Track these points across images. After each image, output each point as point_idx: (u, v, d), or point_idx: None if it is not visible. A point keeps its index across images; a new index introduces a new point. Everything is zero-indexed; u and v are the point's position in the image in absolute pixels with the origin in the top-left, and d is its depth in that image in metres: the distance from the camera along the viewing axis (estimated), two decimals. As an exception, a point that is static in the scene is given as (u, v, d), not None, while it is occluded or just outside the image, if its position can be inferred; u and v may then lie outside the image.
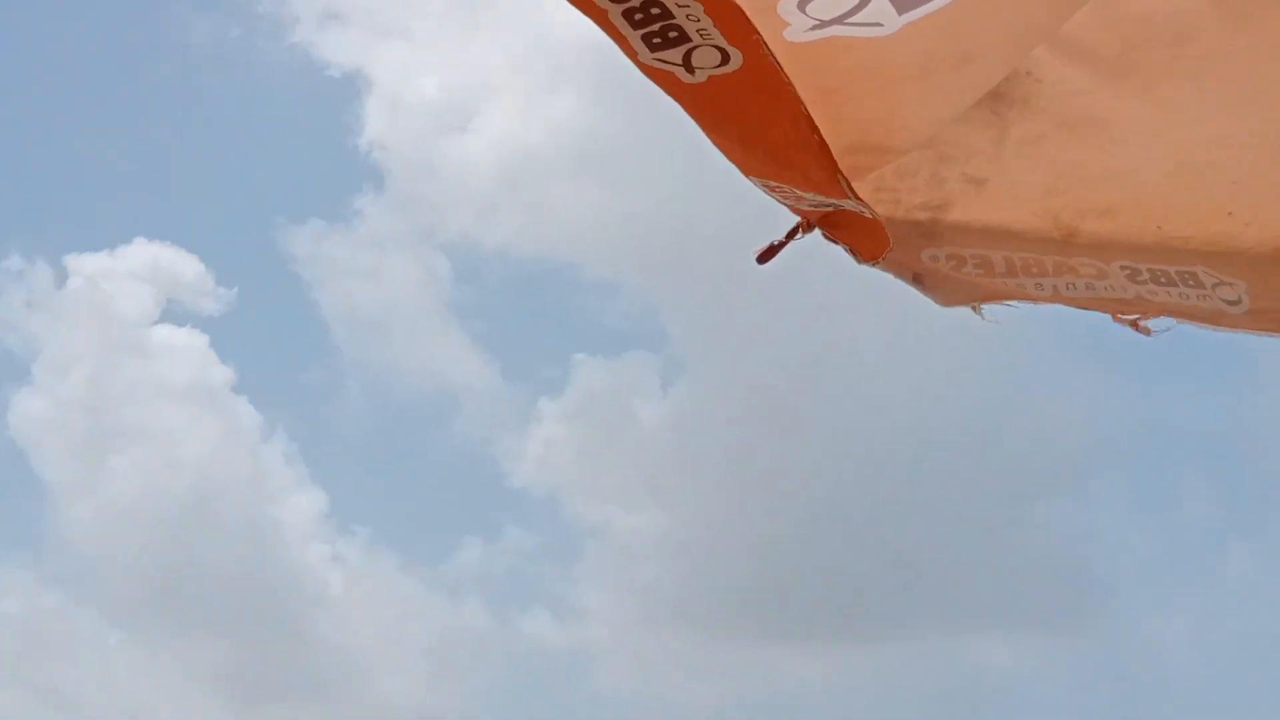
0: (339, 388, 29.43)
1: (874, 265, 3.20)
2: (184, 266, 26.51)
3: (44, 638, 25.80)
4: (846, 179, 2.87)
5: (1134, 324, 3.39)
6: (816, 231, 3.15)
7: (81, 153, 30.98)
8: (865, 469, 27.06)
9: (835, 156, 2.86)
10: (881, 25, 2.74)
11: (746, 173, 2.87)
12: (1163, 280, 3.22)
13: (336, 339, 29.56)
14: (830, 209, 3.01)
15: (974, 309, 3.44)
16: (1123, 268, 3.22)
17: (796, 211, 3.07)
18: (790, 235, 3.12)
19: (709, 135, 2.83)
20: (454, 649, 27.31)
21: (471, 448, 29.17)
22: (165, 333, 26.59)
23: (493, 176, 28.75)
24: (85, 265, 27.01)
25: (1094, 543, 29.19)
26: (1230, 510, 28.98)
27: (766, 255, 3.16)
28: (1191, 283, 3.20)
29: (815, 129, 2.75)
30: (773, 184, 2.88)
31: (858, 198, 2.91)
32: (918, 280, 3.42)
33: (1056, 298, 3.35)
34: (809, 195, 2.89)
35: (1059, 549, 27.49)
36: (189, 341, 26.34)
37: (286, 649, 25.86)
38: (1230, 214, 3.12)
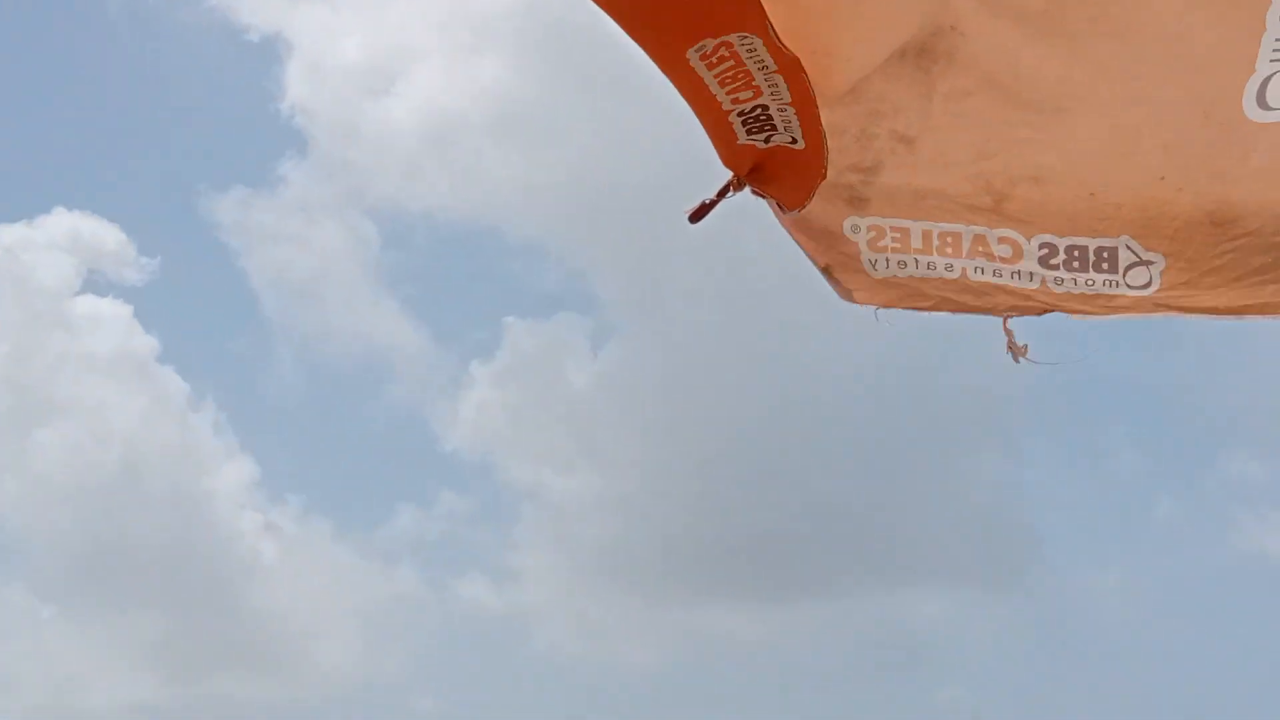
0: (268, 355, 29.25)
1: (796, 215, 3.16)
2: (105, 236, 26.26)
3: (-28, 613, 25.54)
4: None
5: (1010, 342, 3.53)
6: (746, 190, 3.13)
7: (-3, 123, 30.50)
8: (796, 426, 27.24)
9: None
10: None
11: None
12: (1075, 264, 3.21)
13: (265, 306, 29.36)
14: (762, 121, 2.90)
15: (874, 310, 3.51)
16: (1041, 245, 3.22)
17: (727, 157, 3.01)
18: (721, 193, 3.10)
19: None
20: (390, 616, 27.30)
21: (403, 413, 29.10)
22: (88, 304, 26.32)
23: (417, 140, 28.60)
24: (4, 236, 26.66)
25: (1024, 496, 29.59)
26: (1157, 461, 29.43)
27: (698, 214, 3.14)
28: (1105, 266, 3.20)
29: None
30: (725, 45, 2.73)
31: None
32: (827, 271, 3.45)
33: (948, 304, 3.44)
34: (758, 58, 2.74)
35: (990, 503, 27.83)
36: (112, 312, 26.09)
37: (221, 619, 25.74)
38: (1162, 178, 3.09)
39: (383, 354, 30.14)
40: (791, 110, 2.84)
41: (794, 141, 2.91)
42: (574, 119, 27.68)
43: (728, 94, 2.81)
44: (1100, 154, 3.10)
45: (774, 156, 2.98)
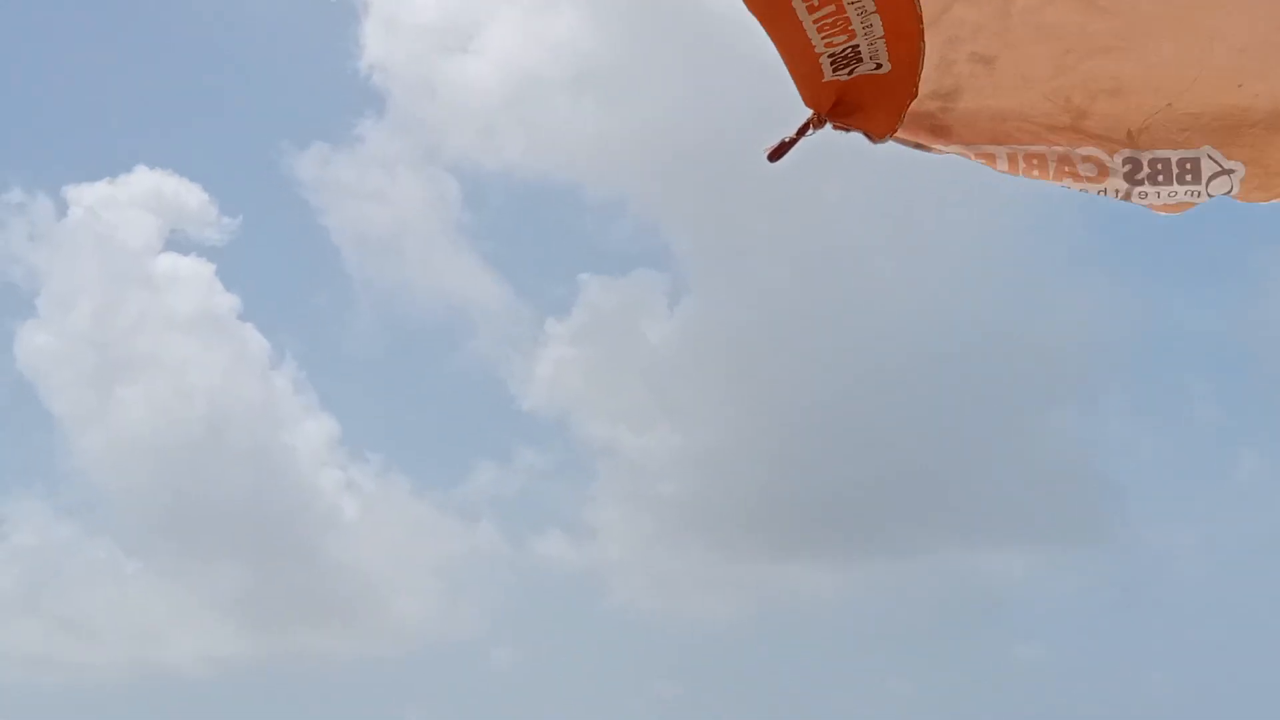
0: (349, 312, 29.42)
1: (889, 139, 3.11)
2: (187, 195, 26.44)
3: (60, 568, 26.02)
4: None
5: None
6: (827, 127, 3.09)
7: (78, 82, 30.83)
8: (876, 381, 27.09)
9: None
10: None
11: None
12: (1160, 177, 3.21)
13: (346, 263, 29.48)
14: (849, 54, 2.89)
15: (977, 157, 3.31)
16: (1125, 160, 3.22)
17: (809, 96, 2.98)
18: (801, 131, 3.06)
19: None
20: (468, 571, 27.50)
21: (482, 370, 29.22)
22: (170, 262, 26.56)
23: (494, 96, 28.57)
24: (86, 196, 26.93)
25: (1103, 452, 29.31)
26: (1237, 415, 29.04)
27: (778, 153, 3.10)
28: (1189, 178, 3.20)
29: None
30: None
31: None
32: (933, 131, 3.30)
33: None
34: None
35: (1068, 459, 27.58)
36: (194, 270, 26.30)
37: (302, 575, 26.04)
38: (1240, 86, 3.11)
39: (462, 310, 30.27)
40: (882, 42, 2.82)
41: (879, 67, 2.89)
42: (650, 75, 27.58)
43: (823, 39, 2.79)
44: (1177, 60, 3.09)
45: (857, 86, 2.95)
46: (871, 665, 26.01)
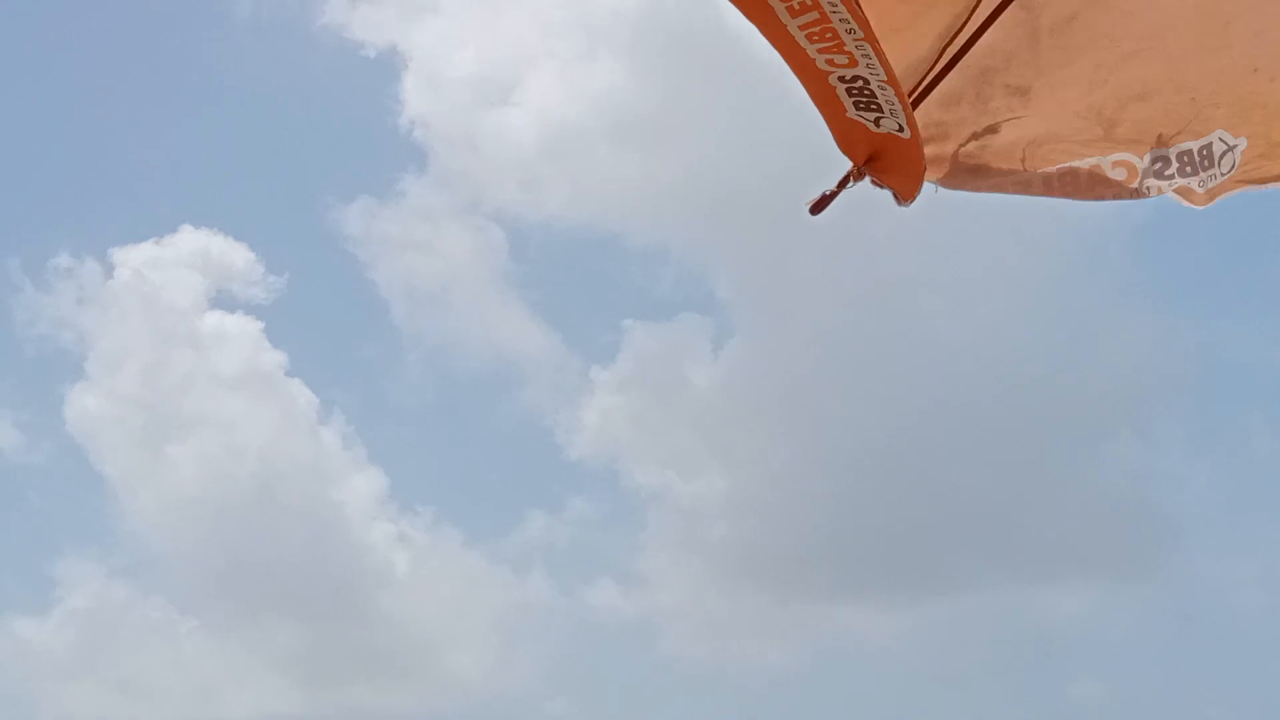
0: (397, 364, 29.50)
1: (913, 202, 3.16)
2: (232, 252, 26.62)
3: (115, 629, 26.10)
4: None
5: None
6: (866, 180, 3.13)
7: (121, 145, 31.13)
8: (925, 419, 26.95)
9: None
10: None
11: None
12: (1188, 169, 3.34)
13: (394, 315, 29.59)
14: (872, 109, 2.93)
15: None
16: (1155, 159, 3.34)
17: (841, 137, 3.01)
18: (842, 184, 3.12)
19: None
20: (521, 623, 27.45)
21: (531, 419, 29.24)
22: (216, 320, 26.74)
23: (535, 147, 28.69)
24: (132, 257, 27.13)
25: (1158, 485, 29.02)
26: (1295, 442, 28.70)
27: (819, 206, 3.16)
28: (1207, 163, 3.34)
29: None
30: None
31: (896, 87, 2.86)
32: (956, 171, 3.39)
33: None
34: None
35: (1123, 493, 27.32)
36: (240, 328, 26.45)
37: (355, 629, 26.04)
38: (1256, 70, 3.24)
39: (509, 360, 30.35)
40: (891, 91, 2.84)
41: (900, 130, 2.93)
42: (691, 122, 27.66)
43: (820, 52, 2.77)
44: (1198, 51, 3.22)
45: (888, 146, 2.99)
46: (928, 706, 25.78)
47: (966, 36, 3.14)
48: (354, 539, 26.63)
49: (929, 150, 3.11)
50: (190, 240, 27.02)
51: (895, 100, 2.86)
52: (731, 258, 28.96)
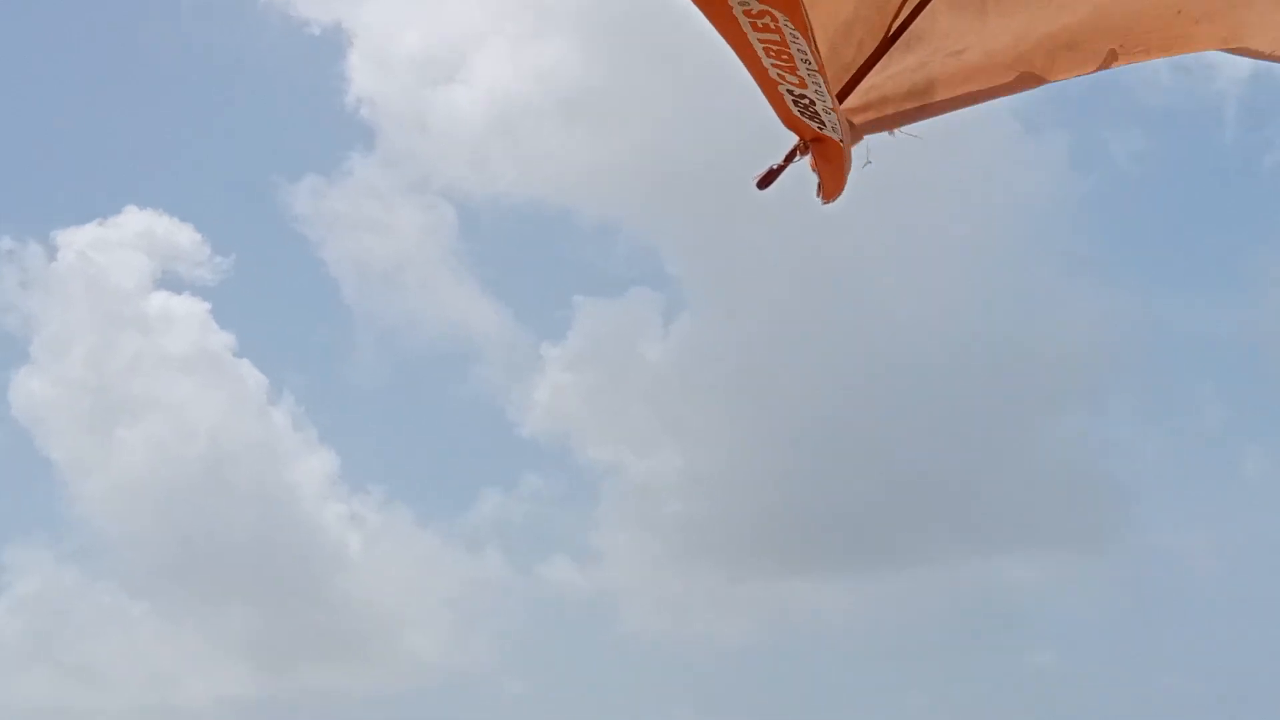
0: (348, 344, 29.32)
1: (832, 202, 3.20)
2: (177, 233, 26.37)
3: (66, 616, 25.89)
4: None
5: None
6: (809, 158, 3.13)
7: (64, 126, 30.79)
8: (878, 393, 27.01)
9: None
10: None
11: None
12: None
13: (345, 295, 29.38)
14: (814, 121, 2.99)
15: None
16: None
17: (786, 119, 3.01)
18: (789, 158, 3.11)
19: None
20: (477, 601, 27.39)
21: (483, 397, 29.12)
22: (162, 301, 26.48)
23: (483, 125, 28.52)
24: (76, 239, 26.83)
25: (1111, 455, 29.22)
26: (1243, 416, 28.98)
27: (766, 180, 3.14)
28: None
29: None
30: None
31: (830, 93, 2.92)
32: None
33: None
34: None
35: (1076, 464, 27.49)
36: (187, 309, 26.22)
37: (310, 611, 25.92)
38: (1180, 12, 3.28)
39: (462, 338, 30.22)
40: (835, 116, 2.91)
41: (841, 141, 3.00)
42: (639, 99, 27.55)
43: (774, 67, 2.81)
44: None
45: (828, 141, 3.04)
46: (885, 679, 25.90)
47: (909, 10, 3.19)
48: (306, 520, 26.50)
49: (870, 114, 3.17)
50: (135, 221, 26.74)
51: (838, 121, 2.92)
52: (681, 233, 28.92)
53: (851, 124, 3.07)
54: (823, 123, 2.95)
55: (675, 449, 28.72)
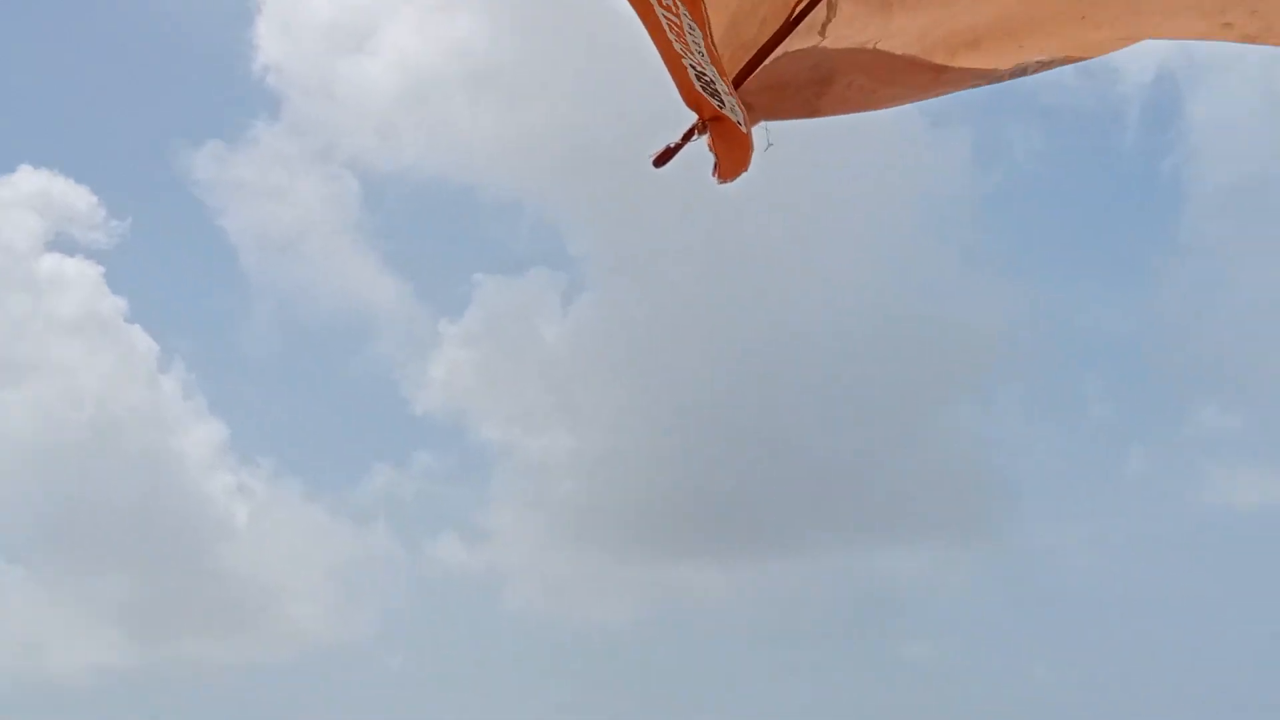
0: (243, 313, 28.95)
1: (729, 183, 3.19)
2: (73, 194, 25.89)
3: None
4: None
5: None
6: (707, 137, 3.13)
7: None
8: (773, 378, 27.16)
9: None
10: None
11: None
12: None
13: (243, 264, 28.98)
14: (715, 99, 3.00)
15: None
16: (971, 84, 3.47)
17: (687, 97, 3.01)
18: (686, 137, 3.10)
19: None
20: (363, 575, 27.19)
21: (378, 372, 28.88)
22: (54, 263, 25.98)
23: (391, 96, 28.26)
24: (-35, 196, 26.27)
25: (997, 449, 29.62)
26: (1129, 414, 29.50)
27: (663, 158, 3.13)
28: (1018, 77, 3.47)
29: None
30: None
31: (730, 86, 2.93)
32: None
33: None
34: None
35: (962, 457, 27.83)
36: (79, 272, 25.77)
37: (191, 581, 25.57)
38: (1084, 18, 3.30)
39: (359, 311, 29.94)
40: (734, 99, 2.91)
41: (739, 123, 2.99)
42: (548, 75, 27.44)
43: (678, 41, 2.80)
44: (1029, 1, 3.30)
45: (726, 122, 3.03)
46: (765, 665, 26.10)
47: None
48: (192, 490, 26.15)
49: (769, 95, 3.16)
50: (29, 181, 26.23)
51: (738, 105, 2.93)
52: (585, 213, 28.86)
53: (750, 106, 3.06)
54: (722, 101, 2.94)
55: (569, 430, 28.73)
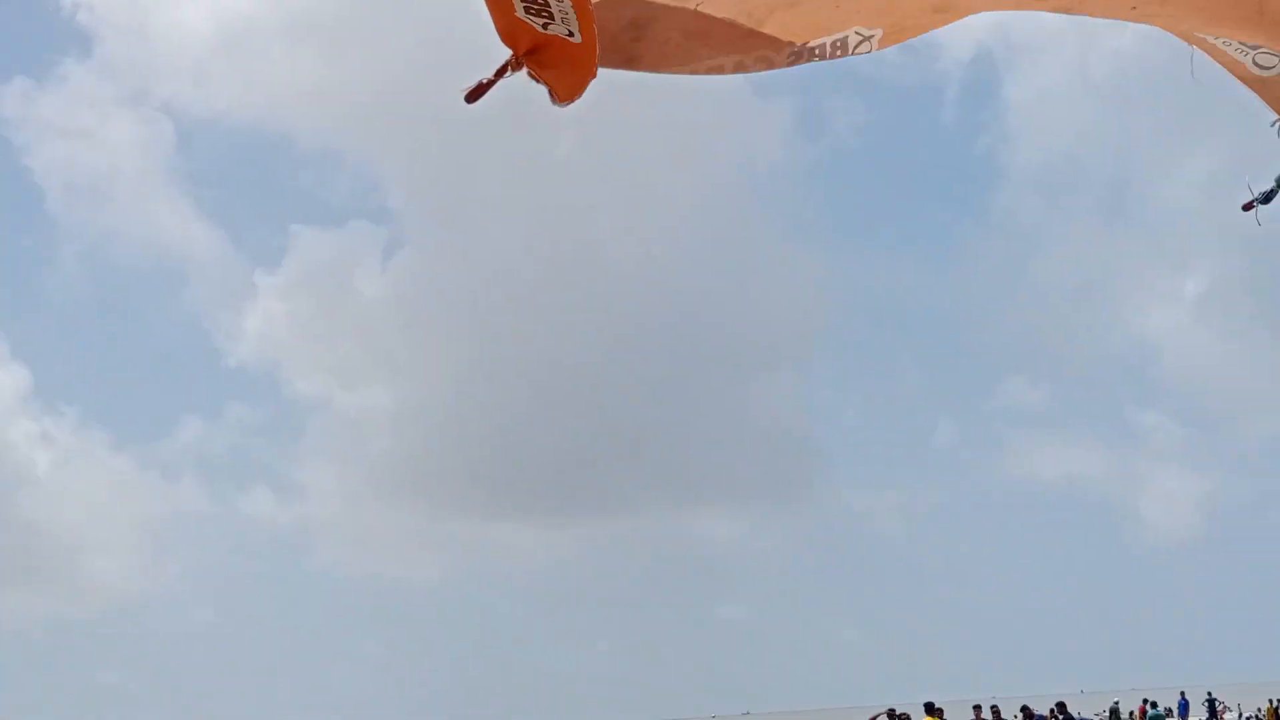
0: (50, 257, 28.21)
1: (570, 104, 3.14)
2: None
3: None
4: None
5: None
6: (523, 73, 3.08)
7: None
8: (594, 342, 27.24)
9: None
10: None
11: None
12: (815, 55, 3.55)
13: (49, 205, 28.13)
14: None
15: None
16: (790, 55, 3.52)
17: (504, 30, 2.98)
18: (499, 73, 3.10)
19: None
20: (171, 529, 26.83)
21: (190, 322, 28.29)
22: None
23: (208, 41, 27.61)
24: None
25: (814, 417, 30.31)
26: (939, 386, 30.43)
27: (475, 94, 3.16)
28: (839, 52, 3.56)
29: None
30: None
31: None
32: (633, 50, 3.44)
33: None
34: None
35: (781, 423, 28.40)
36: None
37: (-13, 530, 24.73)
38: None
39: (172, 259, 29.34)
40: (569, 4, 2.88)
41: (570, 35, 2.94)
42: (372, 26, 27.07)
43: None
44: None
45: (551, 45, 2.98)
46: (578, 625, 26.37)
47: None
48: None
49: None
50: None
51: (570, 9, 2.88)
52: (407, 168, 28.63)
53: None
54: (551, 17, 2.90)
55: (386, 386, 28.60)
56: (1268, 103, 3.74)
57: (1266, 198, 3.79)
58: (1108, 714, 50.89)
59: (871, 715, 25.61)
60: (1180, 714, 47.44)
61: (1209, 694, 50.97)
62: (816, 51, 3.54)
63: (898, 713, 25.06)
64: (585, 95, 3.15)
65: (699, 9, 3.25)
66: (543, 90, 3.11)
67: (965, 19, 3.73)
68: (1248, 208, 3.79)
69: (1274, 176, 3.77)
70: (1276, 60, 3.65)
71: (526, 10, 2.90)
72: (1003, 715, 26.90)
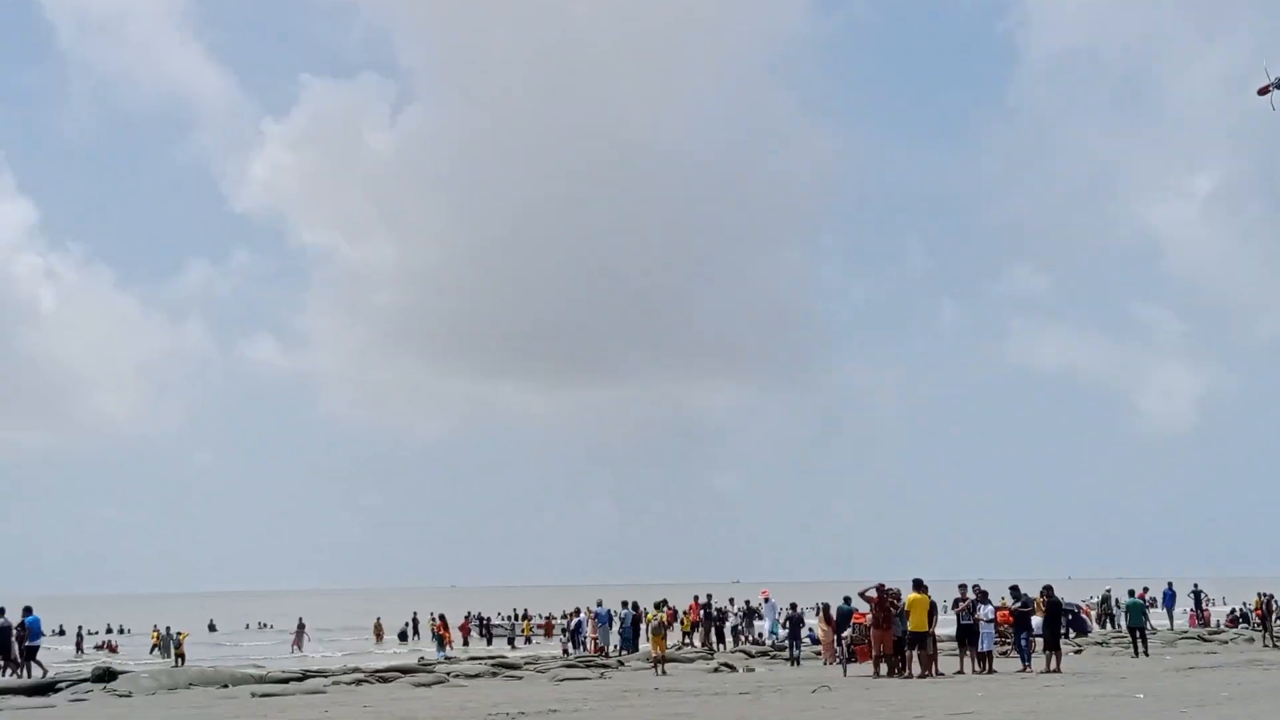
0: (61, 94, 27.87)
1: None
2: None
3: None
4: None
5: None
6: None
7: None
8: (604, 203, 27.13)
9: None
10: None
11: None
12: None
13: (61, 42, 27.76)
14: None
15: None
16: None
17: None
18: None
19: None
20: (173, 370, 26.86)
21: (198, 165, 28.06)
22: None
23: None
24: None
25: (819, 295, 30.16)
26: (945, 267, 30.30)
27: None
28: None
29: None
30: None
31: None
32: None
33: None
34: None
35: (785, 299, 28.33)
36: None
37: (-9, 365, 24.79)
38: None
39: (183, 101, 29.01)
40: None
41: None
42: None
43: None
44: None
45: None
46: (576, 485, 26.52)
47: None
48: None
49: None
50: None
51: None
52: (421, 22, 28.17)
53: None
54: None
55: (390, 240, 28.51)
56: None
57: None
58: (1098, 601, 51.38)
59: (862, 589, 25.85)
60: (1165, 604, 47.91)
61: (1195, 585, 51.45)
62: None
63: (888, 587, 25.29)
64: None
65: None
66: None
67: None
68: (1263, 92, 3.72)
69: None
70: None
71: None
72: (989, 596, 27.15)
